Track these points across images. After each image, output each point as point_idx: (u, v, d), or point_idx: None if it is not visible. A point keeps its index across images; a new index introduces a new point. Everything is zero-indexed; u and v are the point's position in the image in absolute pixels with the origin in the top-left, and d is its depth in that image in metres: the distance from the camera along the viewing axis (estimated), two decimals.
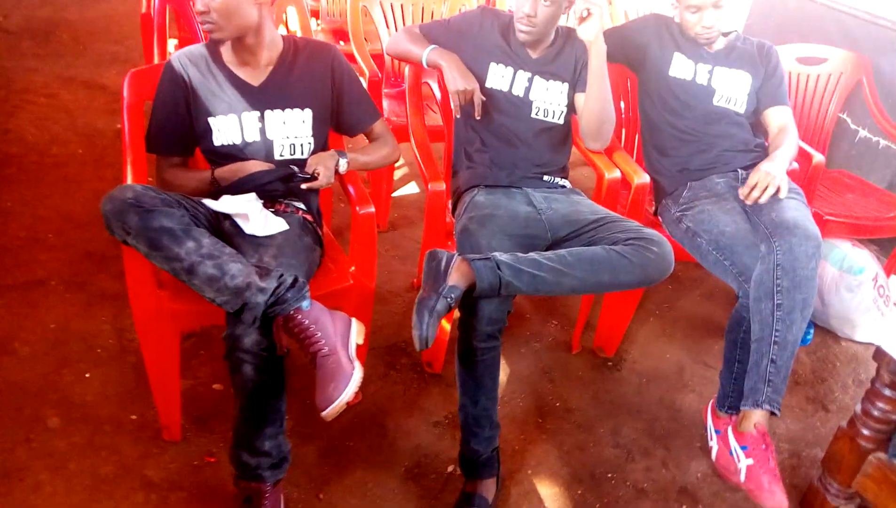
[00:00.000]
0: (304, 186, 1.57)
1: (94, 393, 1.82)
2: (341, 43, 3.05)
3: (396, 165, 2.91)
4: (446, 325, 1.95)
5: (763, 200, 1.74)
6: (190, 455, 1.68)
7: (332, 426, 1.79)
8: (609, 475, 1.76)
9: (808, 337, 2.31)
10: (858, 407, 1.48)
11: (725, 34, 2.05)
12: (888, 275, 2.43)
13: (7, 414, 1.71)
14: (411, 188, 3.06)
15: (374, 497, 1.63)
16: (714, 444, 1.73)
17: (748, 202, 1.77)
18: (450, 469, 1.72)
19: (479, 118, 1.87)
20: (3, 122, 3.11)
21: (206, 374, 1.92)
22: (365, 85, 2.59)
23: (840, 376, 2.21)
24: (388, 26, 2.72)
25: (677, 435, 1.90)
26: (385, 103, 2.61)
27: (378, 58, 2.71)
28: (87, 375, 1.87)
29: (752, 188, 1.75)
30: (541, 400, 1.97)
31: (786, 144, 1.90)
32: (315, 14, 3.51)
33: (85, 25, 4.45)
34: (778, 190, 1.73)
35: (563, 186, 1.89)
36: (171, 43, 2.91)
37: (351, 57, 2.74)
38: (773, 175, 1.74)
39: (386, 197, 2.65)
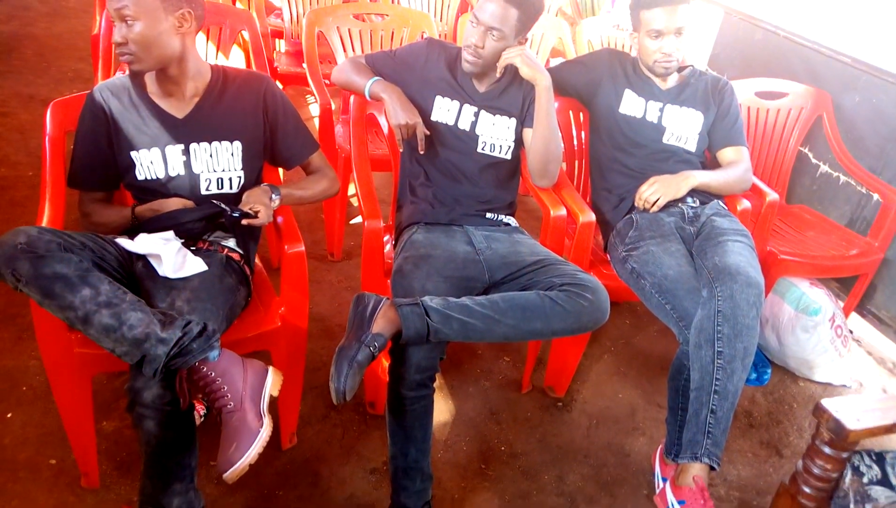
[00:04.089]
0: (244, 221, 1.50)
1: (14, 435, 1.73)
2: (303, 66, 2.99)
3: (352, 191, 2.85)
4: (387, 363, 1.88)
5: (654, 209, 1.86)
6: (108, 504, 1.59)
7: (262, 473, 1.72)
8: None
9: (766, 377, 2.26)
10: (800, 464, 1.41)
11: (681, 68, 2.02)
12: (846, 314, 2.39)
13: None
14: None
15: None
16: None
17: (640, 208, 1.89)
18: None
19: (422, 152, 1.81)
20: None
21: None
22: (317, 111, 2.54)
23: (796, 418, 2.15)
24: (345, 52, 2.67)
25: (624, 482, 1.83)
26: (338, 129, 2.55)
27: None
28: (8, 415, 1.78)
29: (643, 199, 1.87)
30: (485, 444, 1.90)
31: (718, 171, 1.95)
32: (280, 35, 3.46)
33: (51, 41, 4.38)
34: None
35: (507, 225, 1.83)
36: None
37: (304, 81, 2.69)
38: (658, 183, 1.84)
39: (339, 226, 2.59)
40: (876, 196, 2.40)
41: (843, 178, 2.54)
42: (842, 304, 2.41)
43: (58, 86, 3.75)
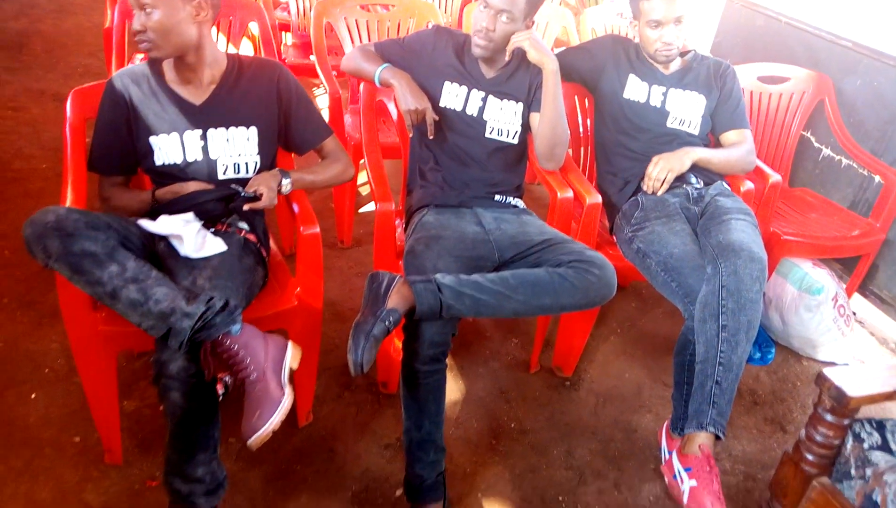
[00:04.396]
0: (246, 206, 1.55)
1: (38, 415, 1.78)
2: (312, 57, 3.03)
3: (361, 181, 2.90)
4: (400, 343, 1.93)
5: (660, 192, 1.90)
6: (131, 478, 1.64)
7: (279, 449, 1.77)
8: (560, 498, 1.73)
9: (770, 357, 2.30)
10: (803, 433, 1.46)
11: (683, 53, 2.06)
12: (849, 295, 2.43)
13: None
14: None
15: None
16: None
17: (649, 192, 1.93)
18: (398, 492, 1.68)
19: (431, 137, 1.85)
20: None
21: (153, 396, 1.88)
22: (327, 101, 2.58)
23: (800, 396, 2.19)
24: (352, 42, 2.71)
25: (631, 457, 1.88)
26: (347, 119, 2.59)
27: (344, 73, 2.69)
28: (32, 396, 1.84)
29: (653, 179, 1.92)
30: (496, 421, 1.95)
31: (721, 149, 1.98)
32: (286, 28, 3.50)
33: (59, 37, 4.43)
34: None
35: (515, 206, 1.88)
36: (138, 58, 2.89)
37: (314, 72, 2.74)
38: (662, 160, 1.89)
39: (349, 214, 2.63)
40: (877, 178, 2.44)
41: (844, 161, 2.57)
42: (844, 285, 2.44)
43: (67, 81, 3.80)
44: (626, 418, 2.01)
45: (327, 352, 2.07)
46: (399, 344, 1.91)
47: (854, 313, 2.52)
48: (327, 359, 2.05)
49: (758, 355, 2.28)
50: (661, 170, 1.87)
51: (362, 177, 3.10)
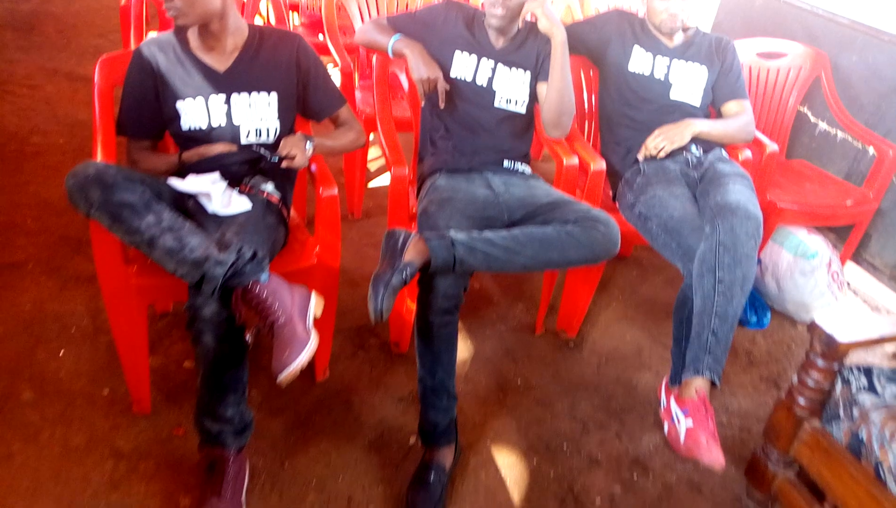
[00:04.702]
0: (284, 164, 1.63)
1: (68, 370, 1.87)
2: (320, 36, 3.10)
3: (370, 156, 2.98)
4: (412, 306, 2.02)
5: (661, 155, 1.99)
6: (159, 427, 1.74)
7: (299, 401, 1.86)
8: (564, 446, 1.83)
9: (766, 321, 2.39)
10: (795, 378, 1.55)
11: (685, 29, 2.14)
12: (843, 263, 2.51)
13: None
14: (387, 179, 3.10)
15: (337, 466, 1.69)
16: (666, 421, 1.81)
17: (640, 159, 2.03)
18: (411, 440, 1.78)
19: (443, 106, 1.93)
20: None
21: (178, 352, 1.97)
22: (338, 77, 2.66)
23: (794, 357, 2.29)
24: (362, 20, 2.78)
25: (632, 410, 1.97)
26: (358, 94, 2.67)
27: (353, 51, 2.77)
28: (60, 353, 1.93)
29: (650, 148, 2.01)
30: (503, 378, 2.04)
31: (720, 120, 2.06)
32: (295, 8, 3.57)
33: (69, 18, 4.49)
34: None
35: (523, 172, 1.96)
36: (152, 35, 2.97)
37: (325, 49, 2.81)
38: (662, 134, 1.98)
39: (360, 186, 2.71)
40: (871, 150, 2.52)
41: (840, 134, 2.66)
42: (838, 253, 2.53)
43: (80, 60, 3.87)
44: (626, 375, 2.11)
45: (342, 314, 2.16)
46: (411, 305, 2.02)
47: (848, 283, 2.62)
48: (342, 321, 2.14)
49: (754, 319, 2.37)
50: (660, 141, 1.96)
51: (372, 152, 3.20)
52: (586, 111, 2.33)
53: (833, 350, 1.45)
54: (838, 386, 1.50)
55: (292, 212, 1.86)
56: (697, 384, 1.59)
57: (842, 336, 1.44)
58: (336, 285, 1.83)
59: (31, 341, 1.95)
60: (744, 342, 2.31)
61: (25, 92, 3.41)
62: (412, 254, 1.51)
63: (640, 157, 2.03)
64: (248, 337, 1.88)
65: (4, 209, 2.48)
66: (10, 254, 2.27)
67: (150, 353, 1.94)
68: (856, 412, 1.44)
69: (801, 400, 1.54)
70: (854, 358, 1.54)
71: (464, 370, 2.05)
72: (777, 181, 2.50)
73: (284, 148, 1.64)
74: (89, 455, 1.64)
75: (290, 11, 3.58)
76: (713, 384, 1.61)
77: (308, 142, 1.70)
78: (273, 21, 2.69)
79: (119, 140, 1.72)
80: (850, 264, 2.63)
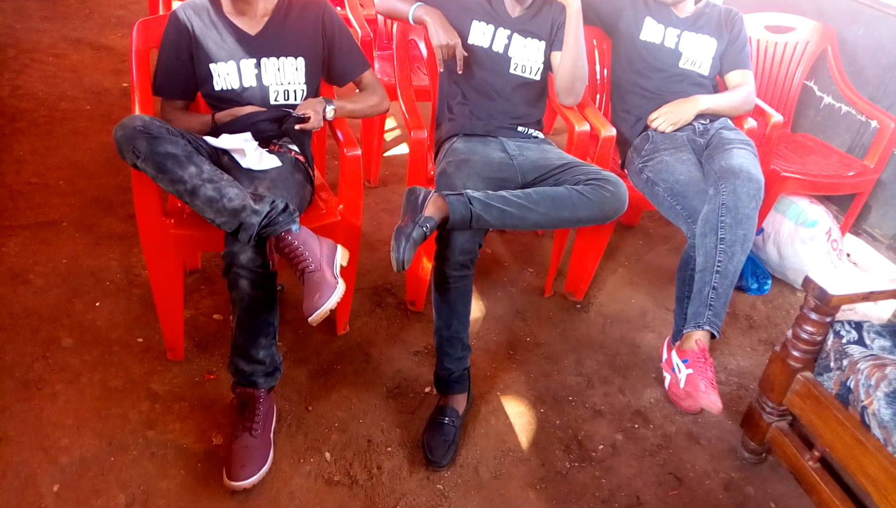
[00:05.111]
0: (297, 126, 1.72)
1: (104, 319, 1.99)
2: (339, 8, 3.18)
3: (387, 127, 3.06)
4: (428, 265, 2.12)
5: (667, 130, 2.08)
6: (192, 372, 1.86)
7: (321, 352, 1.98)
8: (570, 398, 1.94)
9: (766, 287, 2.49)
10: (789, 332, 1.65)
11: (697, 1, 2.20)
12: (843, 233, 2.60)
13: (24, 335, 1.89)
14: (402, 149, 3.22)
15: (357, 411, 1.81)
16: (667, 374, 1.91)
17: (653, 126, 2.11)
18: (427, 389, 1.90)
19: (460, 73, 2.02)
20: (13, 79, 3.25)
21: (207, 306, 2.09)
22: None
23: (793, 322, 2.38)
24: None
25: (635, 367, 2.08)
26: (377, 64, 2.75)
27: (372, 22, 2.84)
28: (97, 304, 2.05)
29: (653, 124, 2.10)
30: (513, 336, 2.15)
31: (724, 94, 2.14)
32: None
33: None
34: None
35: (536, 137, 2.05)
36: (176, 5, 3.05)
37: (346, 20, 2.88)
38: (669, 111, 2.07)
39: (377, 155, 2.80)
40: (874, 123, 2.59)
41: (844, 108, 2.72)
42: (839, 224, 2.61)
43: (103, 30, 3.96)
44: (630, 335, 2.21)
45: (361, 275, 2.28)
46: (427, 265, 2.12)
47: (848, 254, 2.70)
48: (361, 281, 2.25)
49: (755, 285, 2.46)
50: (661, 122, 2.07)
51: (389, 123, 3.28)
52: (598, 83, 2.41)
53: (826, 304, 1.54)
54: (830, 339, 1.60)
55: (316, 172, 1.95)
56: (698, 336, 1.69)
57: (834, 290, 1.53)
58: (358, 242, 1.92)
59: (68, 293, 2.07)
60: (744, 307, 2.41)
61: (51, 60, 3.50)
62: (432, 209, 1.61)
63: (649, 121, 2.11)
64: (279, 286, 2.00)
65: (39, 171, 2.59)
66: (45, 213, 2.39)
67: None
68: (845, 362, 1.54)
69: (795, 352, 1.64)
70: (849, 315, 1.64)
71: (476, 328, 2.16)
72: (781, 153, 2.58)
73: (301, 109, 1.73)
74: (126, 397, 1.76)
75: None
76: (713, 336, 1.71)
77: (328, 105, 1.79)
78: None
79: (154, 101, 1.82)
80: (849, 236, 2.71)
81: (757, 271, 2.48)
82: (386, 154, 3.12)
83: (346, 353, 1.99)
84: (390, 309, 2.20)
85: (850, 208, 2.60)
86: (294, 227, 1.49)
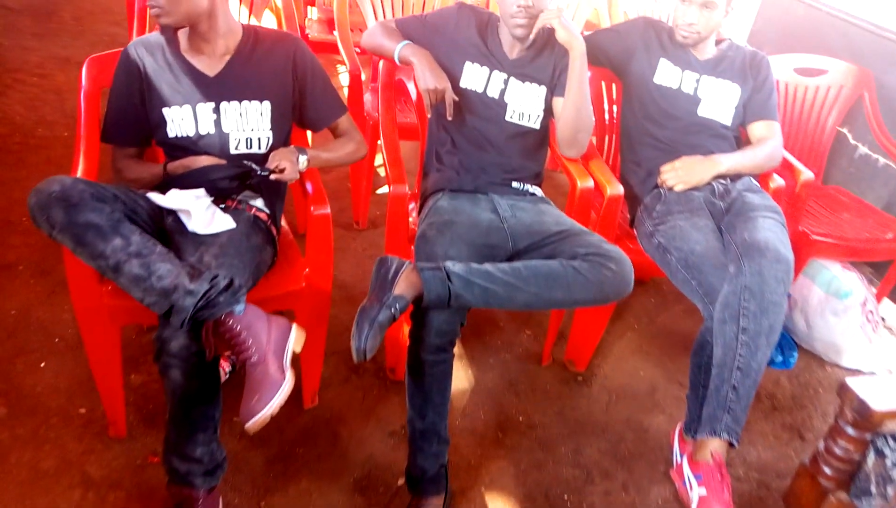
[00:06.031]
0: (272, 176, 1.52)
1: (46, 384, 1.79)
2: (334, 33, 2.99)
3: (378, 162, 2.85)
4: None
5: (677, 189, 1.83)
6: (134, 453, 1.64)
7: (283, 431, 1.75)
8: (566, 496, 1.69)
9: (792, 361, 2.23)
10: (821, 445, 1.40)
11: (718, 41, 1.98)
12: (879, 300, 2.33)
13: None
14: None
15: None
16: (676, 483, 1.66)
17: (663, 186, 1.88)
18: (400, 482, 1.66)
19: (450, 119, 1.80)
20: None
21: None
22: (346, 78, 2.53)
23: (821, 403, 2.12)
24: (376, 18, 2.65)
25: (641, 458, 1.83)
26: (367, 97, 2.55)
27: (366, 51, 2.64)
28: (42, 364, 1.85)
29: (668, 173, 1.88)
30: (503, 414, 1.91)
31: (746, 151, 1.90)
32: (312, 3, 3.45)
33: (87, 5, 4.44)
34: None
35: (533, 194, 1.82)
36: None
37: (335, 50, 2.69)
38: (680, 168, 1.84)
39: (366, 194, 2.60)
40: None
41: (882, 160, 2.47)
42: (874, 289, 2.35)
43: (94, 49, 3.74)
44: (638, 417, 1.96)
45: (337, 335, 2.04)
46: (408, 330, 1.89)
47: (883, 320, 2.43)
48: (336, 342, 2.02)
49: (780, 358, 2.21)
50: (674, 180, 1.85)
51: (380, 158, 3.07)
52: (607, 126, 2.18)
53: (866, 419, 1.29)
54: (870, 457, 1.35)
55: (284, 229, 1.74)
56: (714, 447, 1.45)
57: (877, 403, 1.29)
58: (327, 309, 1.71)
59: (12, 350, 1.87)
60: (767, 384, 2.14)
61: (35, 81, 3.35)
62: (404, 286, 1.39)
63: (659, 182, 1.88)
64: (228, 365, 1.78)
65: (1, 206, 2.41)
66: (2, 254, 2.20)
67: (132, 370, 1.85)
68: (891, 490, 1.29)
69: (827, 470, 1.39)
70: (891, 424, 1.38)
71: (462, 403, 1.92)
72: (811, 208, 2.33)
73: (273, 160, 1.53)
74: (58, 482, 1.54)
75: (308, 6, 3.46)
76: (730, 444, 1.46)
77: (301, 155, 1.59)
78: (283, 14, 2.56)
79: (105, 147, 1.63)
80: (886, 302, 2.45)
81: (782, 342, 2.22)
82: (378, 191, 2.91)
83: (312, 432, 1.77)
84: (367, 377, 1.97)
85: (887, 273, 2.34)
86: (237, 308, 1.28)
